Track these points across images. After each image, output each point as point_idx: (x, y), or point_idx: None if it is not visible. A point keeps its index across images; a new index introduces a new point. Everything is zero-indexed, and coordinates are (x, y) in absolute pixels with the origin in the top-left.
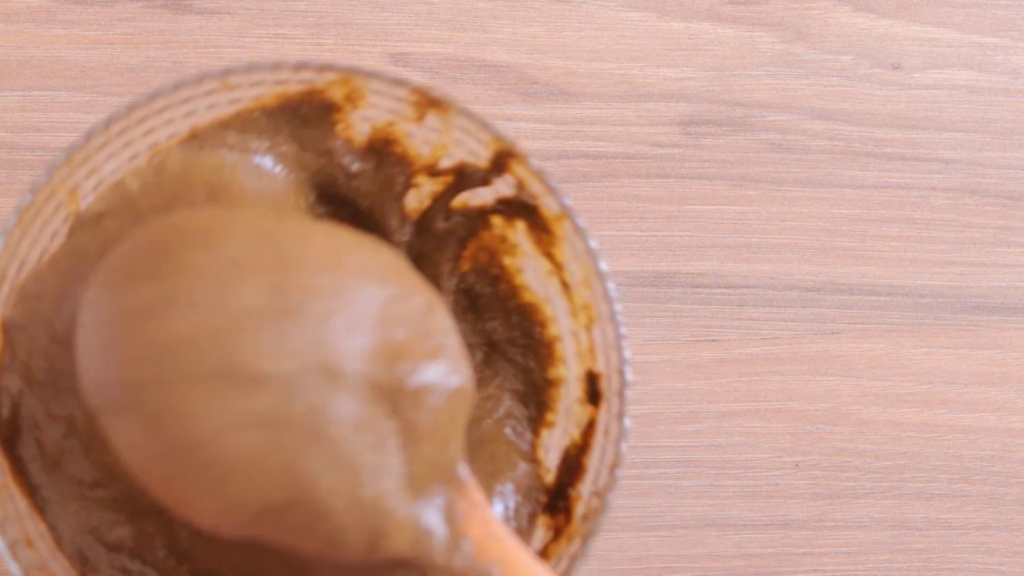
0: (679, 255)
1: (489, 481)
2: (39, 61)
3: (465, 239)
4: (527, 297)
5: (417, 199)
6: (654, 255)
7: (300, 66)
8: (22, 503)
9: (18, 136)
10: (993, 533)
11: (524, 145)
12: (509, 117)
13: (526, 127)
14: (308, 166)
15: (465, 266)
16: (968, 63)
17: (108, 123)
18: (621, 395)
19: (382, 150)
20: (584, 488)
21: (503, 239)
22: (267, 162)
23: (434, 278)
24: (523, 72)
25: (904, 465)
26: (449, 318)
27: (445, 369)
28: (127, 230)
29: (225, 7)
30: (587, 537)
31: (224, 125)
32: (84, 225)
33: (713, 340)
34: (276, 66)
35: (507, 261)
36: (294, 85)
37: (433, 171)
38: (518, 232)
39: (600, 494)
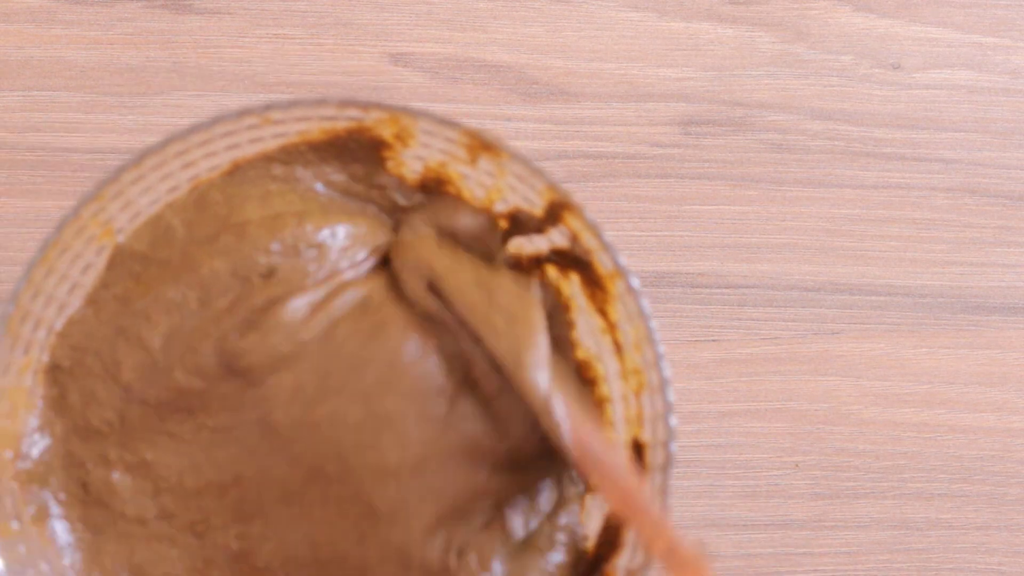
0: (679, 255)
1: (529, 554)
2: (39, 61)
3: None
4: (580, 354)
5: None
6: (654, 255)
7: (345, 103)
8: (38, 541)
9: (18, 136)
10: (993, 533)
11: (525, 147)
12: (509, 117)
13: (526, 127)
14: (360, 196)
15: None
16: (968, 63)
17: (141, 157)
18: (665, 471)
19: (435, 189)
20: (620, 563)
21: (558, 291)
22: (317, 188)
23: None
24: (523, 72)
25: (904, 465)
26: None
27: None
28: (171, 264)
29: (225, 7)
30: None
31: (268, 158)
32: (124, 261)
33: (713, 340)
34: (319, 102)
35: (567, 316)
36: (342, 121)
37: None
38: (572, 284)
39: (634, 573)
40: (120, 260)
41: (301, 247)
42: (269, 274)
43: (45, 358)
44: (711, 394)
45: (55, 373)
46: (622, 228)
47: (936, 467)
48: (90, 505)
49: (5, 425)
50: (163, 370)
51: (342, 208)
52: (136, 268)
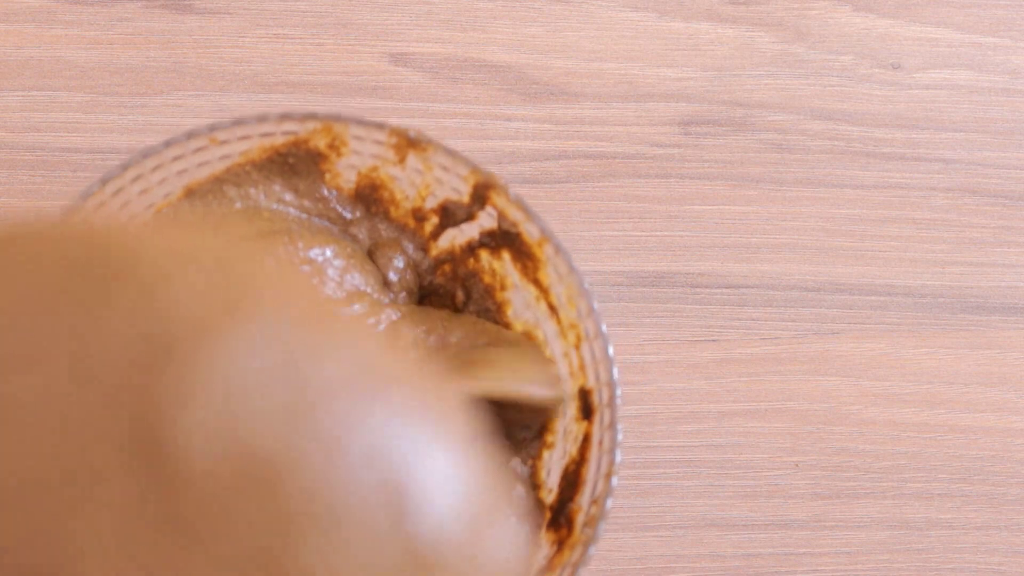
0: (679, 255)
1: None
2: (39, 61)
3: (462, 279)
4: (518, 328)
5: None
6: (654, 255)
7: (284, 117)
8: None
9: (18, 136)
10: (993, 533)
11: (525, 147)
12: (509, 117)
13: (526, 127)
14: (310, 211)
15: (466, 306)
16: (968, 63)
17: (103, 183)
18: (612, 405)
19: (369, 196)
20: (583, 499)
21: (493, 272)
22: (275, 207)
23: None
24: (523, 72)
25: (904, 465)
26: None
27: None
28: None
29: (225, 7)
30: (587, 544)
31: (219, 180)
32: None
33: (713, 340)
34: (261, 119)
35: (499, 296)
36: (279, 137)
37: (420, 214)
38: (505, 263)
39: (598, 501)
40: None
41: (296, 263)
42: None
43: None
44: (711, 394)
45: None
46: (622, 228)
47: (936, 467)
48: None
49: None
50: None
51: (320, 229)
52: None
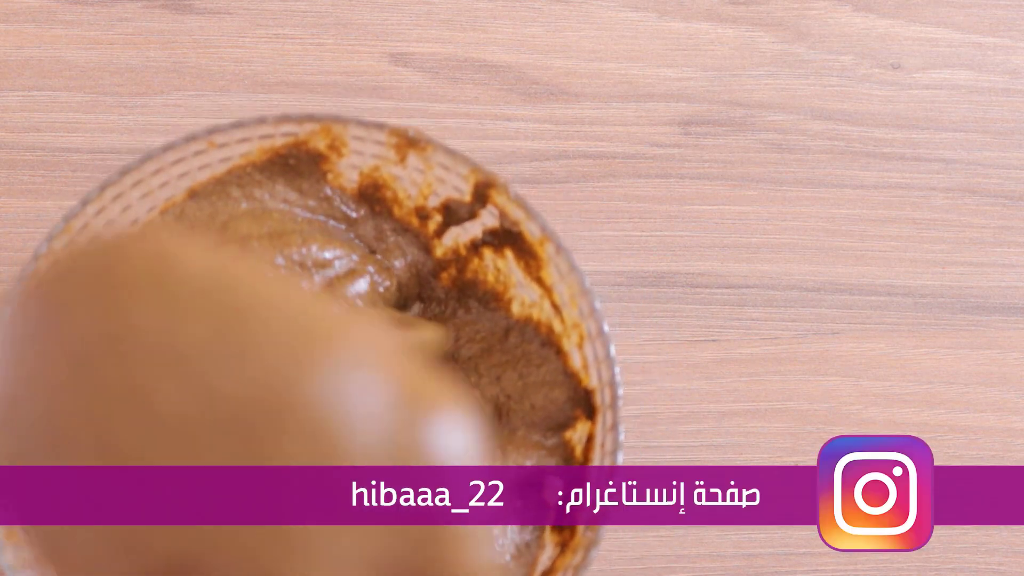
0: (679, 255)
1: None
2: (39, 61)
3: (460, 288)
4: (536, 315)
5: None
6: (654, 255)
7: (282, 119)
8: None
9: (18, 136)
10: (993, 533)
11: (525, 147)
12: (509, 117)
13: (526, 127)
14: (315, 211)
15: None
16: (968, 63)
17: (102, 188)
18: (614, 407)
19: (373, 195)
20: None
21: (497, 271)
22: (283, 208)
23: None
24: (523, 72)
25: None
26: None
27: None
28: None
29: (225, 7)
30: (589, 547)
31: (222, 182)
32: None
33: (713, 340)
34: (259, 121)
35: (506, 295)
36: (279, 139)
37: (423, 212)
38: (508, 261)
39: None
40: None
41: (308, 265)
42: None
43: None
44: (711, 394)
45: None
46: (622, 228)
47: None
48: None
49: None
50: None
51: (328, 229)
52: None
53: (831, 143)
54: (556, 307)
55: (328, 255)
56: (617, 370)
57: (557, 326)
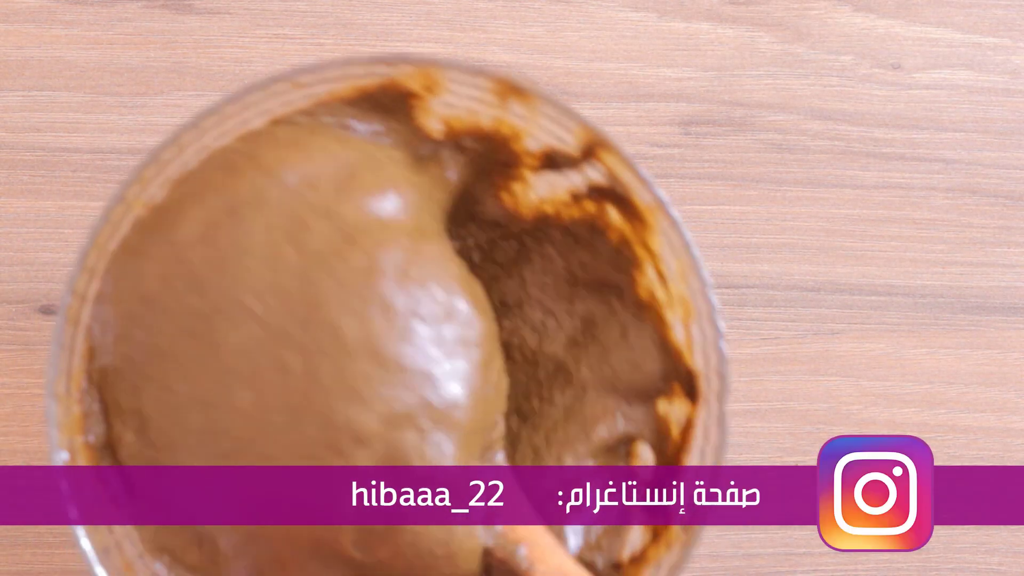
0: None
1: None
2: (39, 61)
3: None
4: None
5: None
6: None
7: (375, 61)
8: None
9: (18, 136)
10: (993, 533)
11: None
12: None
13: None
14: (398, 144)
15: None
16: (968, 63)
17: (178, 135)
18: (721, 398)
19: (462, 132)
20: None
21: (603, 221)
22: (364, 132)
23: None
24: (523, 72)
25: None
26: None
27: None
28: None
29: (225, 7)
30: (687, 546)
31: (306, 112)
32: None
33: None
34: (348, 62)
35: (638, 251)
36: (371, 78)
37: (518, 154)
38: (612, 215)
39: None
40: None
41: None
42: None
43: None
44: None
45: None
46: None
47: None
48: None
49: (75, 409)
50: None
51: (407, 163)
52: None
53: (831, 143)
54: (661, 276)
55: (396, 189)
56: (727, 355)
57: (660, 294)
